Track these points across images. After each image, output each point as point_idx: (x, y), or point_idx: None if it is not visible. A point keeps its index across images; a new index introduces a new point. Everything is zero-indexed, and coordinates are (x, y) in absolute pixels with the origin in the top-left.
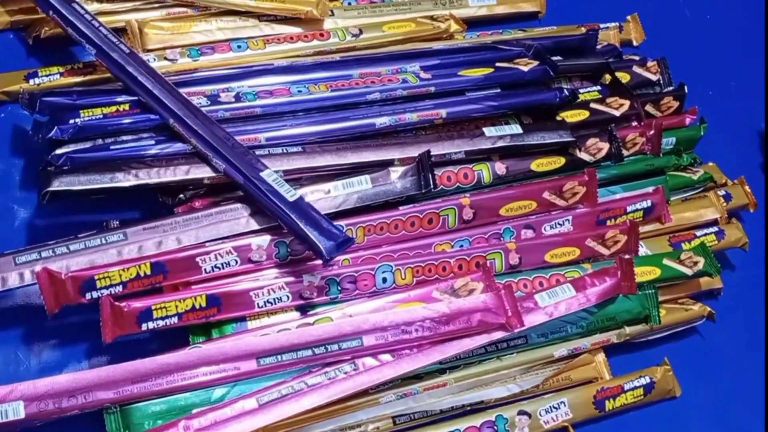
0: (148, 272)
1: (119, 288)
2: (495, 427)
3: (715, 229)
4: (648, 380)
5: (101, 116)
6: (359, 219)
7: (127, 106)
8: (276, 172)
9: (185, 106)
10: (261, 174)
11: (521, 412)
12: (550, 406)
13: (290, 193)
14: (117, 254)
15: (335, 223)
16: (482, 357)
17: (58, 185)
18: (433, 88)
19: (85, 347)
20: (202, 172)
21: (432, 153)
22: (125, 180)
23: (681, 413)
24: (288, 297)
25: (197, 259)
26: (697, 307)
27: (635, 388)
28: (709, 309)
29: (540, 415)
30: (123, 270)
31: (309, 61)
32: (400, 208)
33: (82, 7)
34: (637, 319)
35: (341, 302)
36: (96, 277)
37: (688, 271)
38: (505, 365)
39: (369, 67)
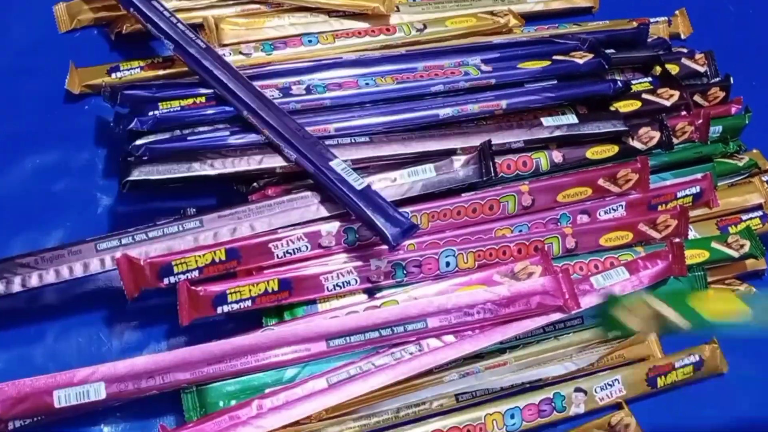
0: (223, 258)
1: (195, 273)
2: (553, 404)
3: (760, 213)
4: (697, 358)
5: (179, 108)
6: (424, 206)
7: (203, 99)
8: (344, 161)
9: (258, 98)
10: (330, 163)
11: (577, 389)
12: (604, 383)
13: (358, 182)
14: (193, 241)
15: (401, 210)
16: (540, 337)
17: (137, 175)
18: (493, 81)
19: (164, 329)
20: (274, 162)
21: (492, 142)
22: (201, 170)
23: (728, 388)
24: (356, 281)
25: (270, 245)
26: (743, 287)
27: (685, 365)
28: (754, 289)
29: (595, 392)
30: (199, 256)
31: (376, 55)
32: (463, 195)
33: (161, 4)
34: None
35: (407, 285)
36: (173, 263)
37: (735, 254)
38: (562, 344)
39: (433, 61)
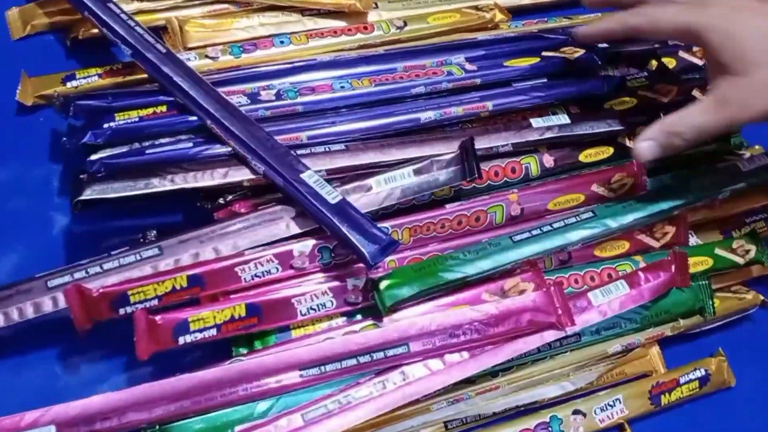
0: (185, 285)
1: (154, 302)
2: (549, 428)
3: (765, 215)
4: (703, 372)
5: (137, 119)
6: (405, 220)
7: (164, 108)
8: (317, 172)
9: (223, 106)
10: (301, 176)
11: (576, 412)
12: (605, 404)
13: (332, 195)
14: (152, 270)
15: (380, 224)
16: (535, 357)
17: (90, 193)
18: (478, 80)
19: (126, 360)
20: (240, 175)
21: (479, 146)
22: (161, 185)
23: (736, 403)
24: (332, 302)
25: (236, 269)
26: (750, 295)
27: (690, 381)
28: (762, 297)
29: (595, 413)
30: (158, 284)
31: (352, 56)
32: (447, 206)
33: (118, 7)
34: (692, 310)
35: None
36: (129, 293)
37: (741, 260)
38: (558, 364)
39: (413, 60)
